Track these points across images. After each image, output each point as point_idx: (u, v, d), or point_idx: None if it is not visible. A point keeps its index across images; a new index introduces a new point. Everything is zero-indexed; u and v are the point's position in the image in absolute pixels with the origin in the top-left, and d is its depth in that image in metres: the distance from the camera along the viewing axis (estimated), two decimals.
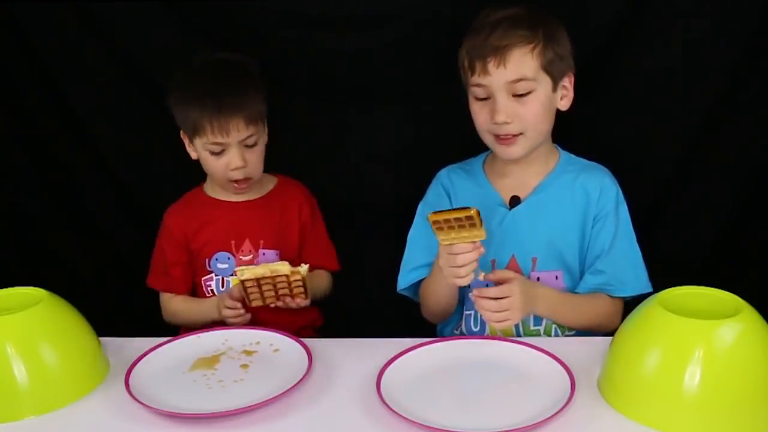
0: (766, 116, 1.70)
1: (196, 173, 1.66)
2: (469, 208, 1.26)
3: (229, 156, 1.53)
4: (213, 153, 1.54)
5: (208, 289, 1.64)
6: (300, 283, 1.46)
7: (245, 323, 1.49)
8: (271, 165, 1.63)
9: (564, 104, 1.48)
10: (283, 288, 1.47)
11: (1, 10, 1.74)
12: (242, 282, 1.43)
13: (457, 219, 1.26)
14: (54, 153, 1.85)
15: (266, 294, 1.47)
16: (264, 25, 1.72)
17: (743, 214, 1.77)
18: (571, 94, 1.48)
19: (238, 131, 1.51)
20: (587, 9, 1.66)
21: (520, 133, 1.42)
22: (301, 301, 1.51)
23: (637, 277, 1.48)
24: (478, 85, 1.42)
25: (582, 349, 1.30)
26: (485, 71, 1.39)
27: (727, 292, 1.17)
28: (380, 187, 1.82)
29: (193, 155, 1.60)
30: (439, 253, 1.37)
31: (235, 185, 1.57)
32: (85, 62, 1.77)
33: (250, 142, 1.54)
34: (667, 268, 1.75)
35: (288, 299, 1.50)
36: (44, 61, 1.78)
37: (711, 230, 1.78)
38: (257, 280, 1.42)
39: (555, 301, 1.45)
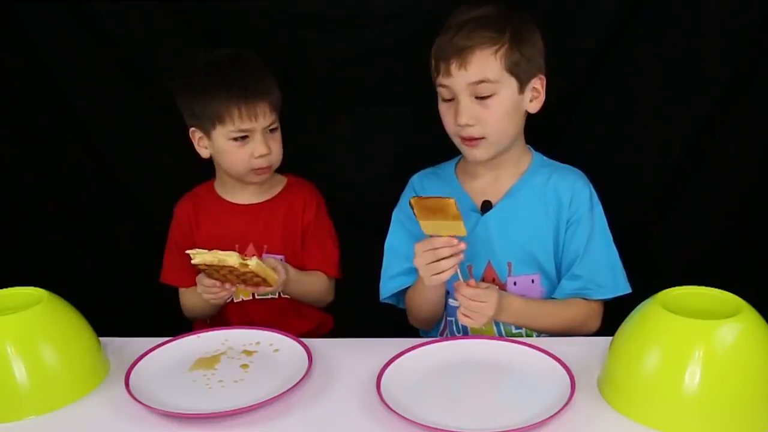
0: (766, 116, 1.70)
1: (198, 173, 1.66)
2: (448, 198, 1.28)
3: (253, 143, 1.53)
4: (236, 140, 1.52)
5: None
6: (254, 275, 1.41)
7: (230, 296, 1.51)
8: None
9: (534, 107, 1.46)
10: (241, 276, 1.43)
11: (1, 10, 1.74)
12: (196, 266, 1.41)
13: (435, 204, 1.28)
14: (54, 153, 1.85)
15: (228, 277, 1.44)
16: (264, 25, 1.71)
17: (743, 214, 1.76)
18: (542, 96, 1.46)
19: (264, 117, 1.52)
20: (585, 12, 1.66)
21: (482, 137, 1.42)
22: (264, 288, 1.47)
23: (614, 279, 1.47)
24: (443, 86, 1.42)
25: (582, 349, 1.30)
26: (448, 72, 1.39)
27: (727, 292, 1.17)
28: (380, 187, 1.81)
29: (204, 153, 1.59)
30: (415, 251, 1.35)
31: (257, 173, 1.56)
32: (85, 62, 1.77)
33: (272, 126, 1.55)
34: (668, 268, 1.76)
35: (250, 289, 1.49)
36: (44, 61, 1.77)
37: (710, 230, 1.78)
38: (208, 266, 1.40)
39: (520, 310, 1.43)
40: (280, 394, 1.18)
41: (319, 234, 1.67)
